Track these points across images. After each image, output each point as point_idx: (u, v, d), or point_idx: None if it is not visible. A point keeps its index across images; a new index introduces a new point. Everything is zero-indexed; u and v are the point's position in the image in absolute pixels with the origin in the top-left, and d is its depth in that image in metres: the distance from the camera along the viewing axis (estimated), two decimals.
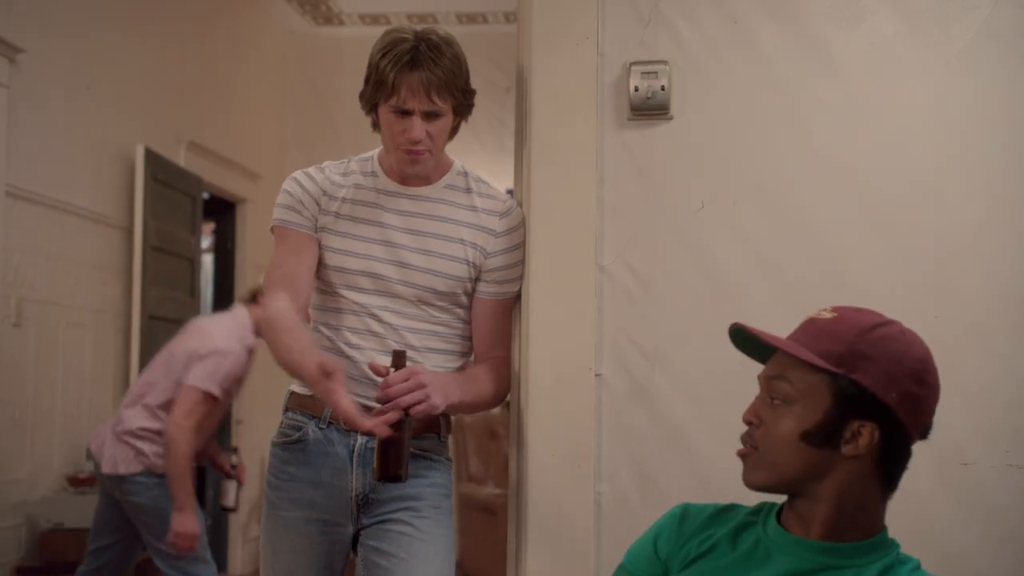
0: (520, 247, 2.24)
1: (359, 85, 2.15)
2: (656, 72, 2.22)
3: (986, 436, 2.09)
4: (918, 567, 1.56)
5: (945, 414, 2.09)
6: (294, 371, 2.08)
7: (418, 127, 2.08)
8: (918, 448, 2.08)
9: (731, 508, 1.69)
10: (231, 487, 4.45)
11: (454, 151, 2.29)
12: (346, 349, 2.17)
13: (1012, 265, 2.13)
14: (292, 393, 2.22)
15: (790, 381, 1.53)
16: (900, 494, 2.07)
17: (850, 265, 2.17)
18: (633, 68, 2.23)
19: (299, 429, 2.16)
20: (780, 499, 1.64)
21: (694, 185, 2.23)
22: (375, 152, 2.26)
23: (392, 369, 1.97)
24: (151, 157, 5.01)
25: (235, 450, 4.55)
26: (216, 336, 3.79)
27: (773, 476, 1.54)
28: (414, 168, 2.15)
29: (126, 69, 5.02)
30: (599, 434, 2.21)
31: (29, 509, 4.24)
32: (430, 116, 2.09)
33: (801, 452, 1.52)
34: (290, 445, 2.16)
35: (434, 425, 2.21)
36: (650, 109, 2.23)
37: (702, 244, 2.21)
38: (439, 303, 2.20)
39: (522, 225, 2.25)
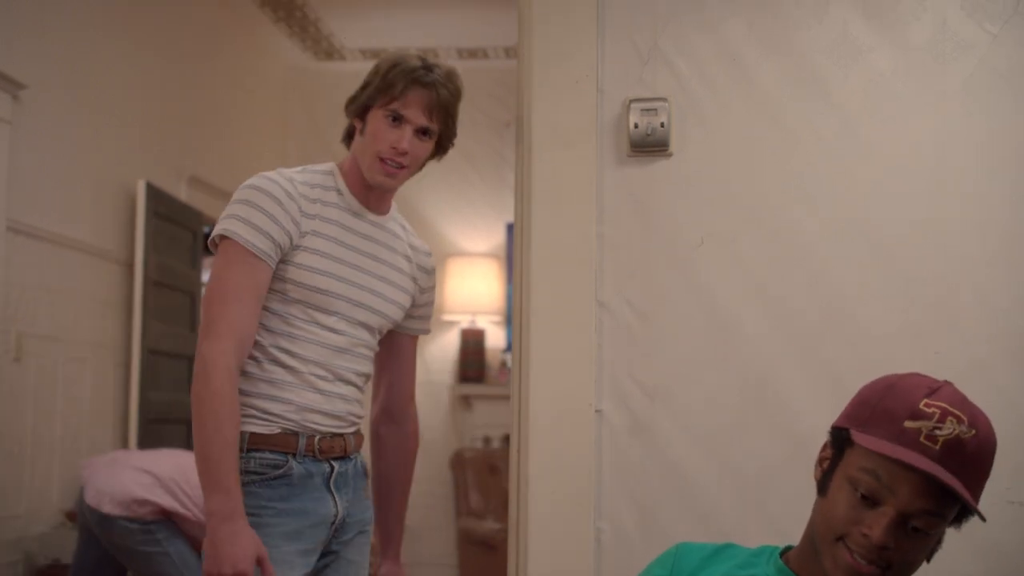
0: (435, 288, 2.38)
1: None
2: (655, 109, 2.23)
3: None
4: None
5: None
6: (204, 461, 1.96)
7: (408, 138, 2.10)
8: None
9: (729, 547, 1.67)
10: None
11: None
12: (318, 383, 2.12)
13: (1012, 300, 2.13)
14: (252, 434, 2.09)
15: (944, 519, 1.48)
16: None
17: (850, 300, 2.17)
18: (632, 105, 2.24)
19: (279, 466, 2.11)
20: (782, 542, 1.63)
21: (694, 221, 2.23)
22: (332, 166, 2.24)
23: None
24: (152, 192, 5.02)
25: None
26: None
27: None
28: (388, 182, 2.14)
29: (128, 104, 5.04)
30: (599, 470, 2.21)
31: (27, 545, 4.21)
32: (421, 134, 2.12)
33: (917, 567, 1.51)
34: (272, 481, 2.10)
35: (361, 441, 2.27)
36: (649, 145, 2.24)
37: (702, 280, 2.22)
38: (382, 333, 2.25)
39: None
